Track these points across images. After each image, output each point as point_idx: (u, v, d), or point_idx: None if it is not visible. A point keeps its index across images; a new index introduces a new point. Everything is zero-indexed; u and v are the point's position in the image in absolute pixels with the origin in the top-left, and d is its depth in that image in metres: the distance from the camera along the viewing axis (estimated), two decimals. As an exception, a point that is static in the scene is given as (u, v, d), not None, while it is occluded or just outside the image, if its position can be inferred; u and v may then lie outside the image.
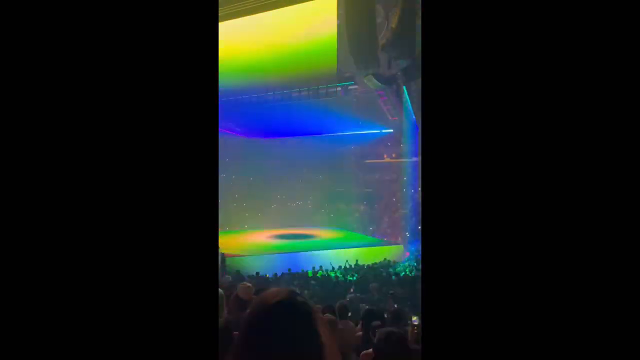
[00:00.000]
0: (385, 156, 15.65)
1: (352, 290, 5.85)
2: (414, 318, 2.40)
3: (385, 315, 2.83)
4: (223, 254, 9.28)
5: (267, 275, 7.18)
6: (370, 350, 1.86)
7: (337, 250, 10.42)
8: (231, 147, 15.50)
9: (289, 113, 12.64)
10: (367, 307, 4.13)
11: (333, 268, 8.17)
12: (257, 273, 7.29)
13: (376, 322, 2.34)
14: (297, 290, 0.65)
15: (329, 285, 6.63)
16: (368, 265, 8.66)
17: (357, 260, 8.97)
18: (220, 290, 1.88)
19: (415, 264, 9.46)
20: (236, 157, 15.27)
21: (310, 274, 7.51)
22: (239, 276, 6.48)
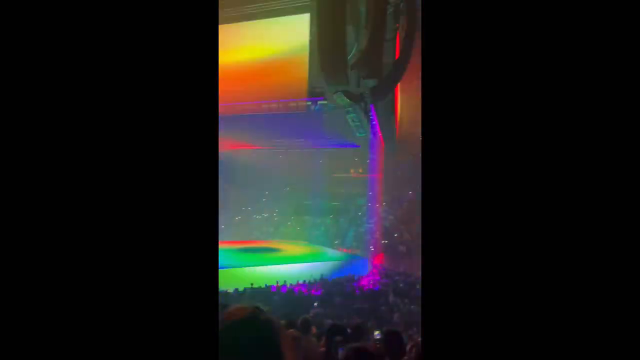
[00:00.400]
0: (352, 171, 16.00)
1: (315, 305, 5.79)
2: (376, 332, 2.43)
3: (349, 330, 2.83)
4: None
5: (228, 290, 6.91)
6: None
7: (301, 264, 10.31)
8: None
9: (257, 124, 12.55)
10: (330, 321, 4.10)
11: (297, 282, 8.06)
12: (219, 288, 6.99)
13: (339, 338, 2.33)
14: (261, 307, 0.64)
15: (293, 299, 6.51)
16: (332, 279, 8.65)
17: (321, 274, 8.93)
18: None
19: (379, 277, 9.59)
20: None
21: (272, 287, 7.34)
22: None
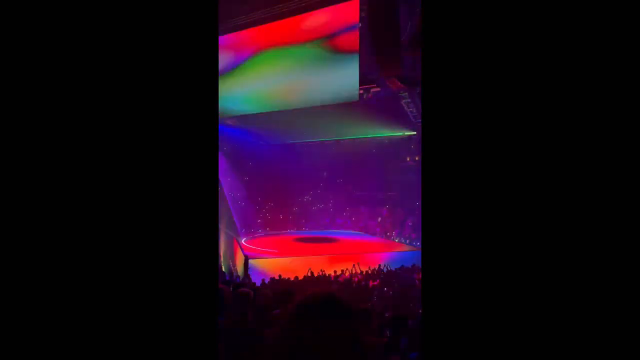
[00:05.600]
0: (408, 159, 15.38)
1: (374, 296, 5.74)
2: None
3: (410, 322, 2.74)
4: (247, 256, 9.43)
5: (289, 278, 7.20)
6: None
7: (358, 255, 10.30)
8: (254, 152, 15.77)
9: (309, 117, 12.71)
10: (388, 314, 4.03)
11: (354, 272, 8.08)
12: (280, 275, 7.33)
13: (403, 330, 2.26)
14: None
15: (351, 290, 6.55)
16: (390, 270, 8.50)
17: (379, 265, 8.83)
18: (248, 291, 1.91)
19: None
20: (259, 162, 15.52)
21: (330, 277, 7.46)
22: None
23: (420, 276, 7.95)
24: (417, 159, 14.84)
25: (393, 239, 13.99)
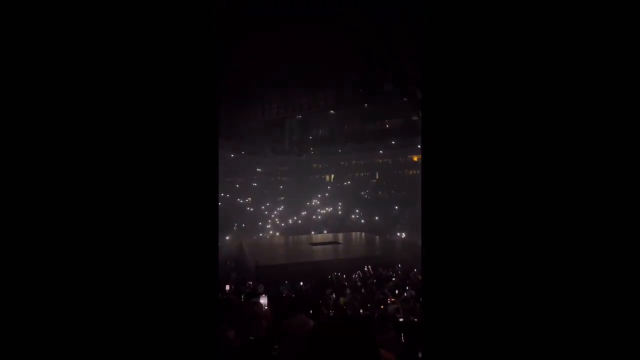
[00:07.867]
0: (415, 158, 15.28)
1: (388, 300, 5.68)
2: None
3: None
4: (257, 261, 9.45)
5: (301, 284, 7.19)
6: None
7: (370, 257, 10.22)
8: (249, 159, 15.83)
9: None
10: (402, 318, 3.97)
11: (366, 275, 8.01)
12: (291, 281, 7.32)
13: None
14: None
15: (364, 293, 6.49)
16: (402, 272, 8.41)
17: (391, 268, 8.74)
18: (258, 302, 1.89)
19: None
20: (266, 165, 15.59)
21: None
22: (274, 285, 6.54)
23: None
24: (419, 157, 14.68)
25: (402, 238, 13.86)
